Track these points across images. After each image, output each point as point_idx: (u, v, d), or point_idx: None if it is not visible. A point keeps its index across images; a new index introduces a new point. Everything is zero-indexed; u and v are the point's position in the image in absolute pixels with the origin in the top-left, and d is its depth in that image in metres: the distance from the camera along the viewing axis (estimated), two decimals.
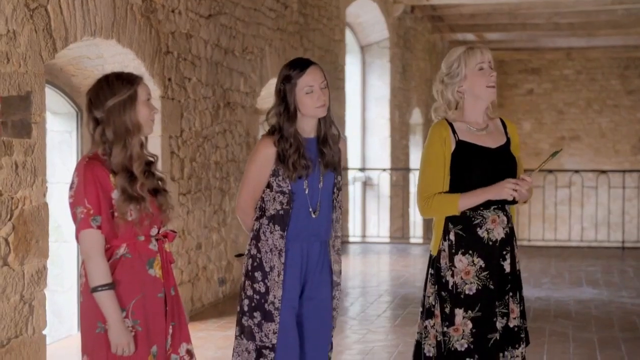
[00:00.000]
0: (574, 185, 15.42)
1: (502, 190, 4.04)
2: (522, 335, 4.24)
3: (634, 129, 24.07)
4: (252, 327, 4.04)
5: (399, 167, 15.29)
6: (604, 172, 12.90)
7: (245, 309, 4.06)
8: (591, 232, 15.11)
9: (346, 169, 13.08)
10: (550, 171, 13.94)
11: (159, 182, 3.66)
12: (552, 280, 9.60)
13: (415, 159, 16.77)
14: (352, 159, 14.38)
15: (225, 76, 8.66)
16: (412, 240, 15.09)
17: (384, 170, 13.90)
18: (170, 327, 3.62)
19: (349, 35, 14.58)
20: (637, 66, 24.47)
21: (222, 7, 8.52)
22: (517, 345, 4.21)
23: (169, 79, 7.48)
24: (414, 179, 14.59)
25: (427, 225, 17.42)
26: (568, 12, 17.84)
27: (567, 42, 22.38)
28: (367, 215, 14.91)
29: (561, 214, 17.80)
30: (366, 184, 14.94)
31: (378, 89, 15.20)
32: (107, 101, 3.52)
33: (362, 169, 14.56)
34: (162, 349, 3.57)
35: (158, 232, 3.63)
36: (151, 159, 3.66)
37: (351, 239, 13.11)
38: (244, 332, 4.07)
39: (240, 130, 9.06)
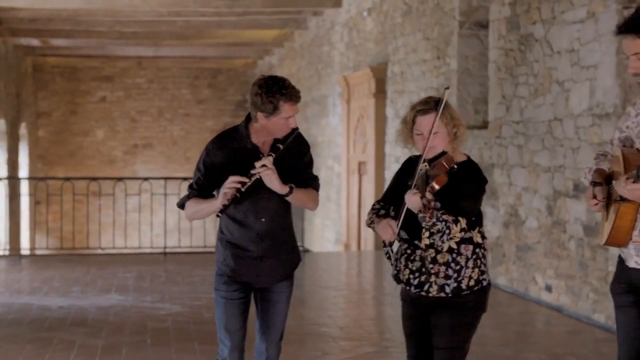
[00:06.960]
0: (146, 192, 15.65)
1: None
2: None
3: (203, 137, 24.98)
4: None
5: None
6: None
7: None
8: (148, 238, 15.35)
9: None
10: (120, 179, 13.94)
11: None
12: (83, 288, 9.58)
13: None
14: None
15: None
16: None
17: None
18: None
19: None
20: (206, 77, 25.45)
21: None
22: None
23: None
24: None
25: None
26: (129, 21, 18.05)
27: (136, 51, 22.69)
28: None
29: (131, 220, 17.94)
30: None
31: None
32: None
33: None
34: None
35: None
36: None
37: None
38: None
39: None
